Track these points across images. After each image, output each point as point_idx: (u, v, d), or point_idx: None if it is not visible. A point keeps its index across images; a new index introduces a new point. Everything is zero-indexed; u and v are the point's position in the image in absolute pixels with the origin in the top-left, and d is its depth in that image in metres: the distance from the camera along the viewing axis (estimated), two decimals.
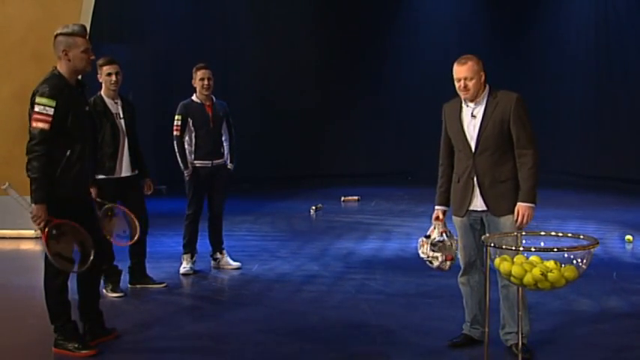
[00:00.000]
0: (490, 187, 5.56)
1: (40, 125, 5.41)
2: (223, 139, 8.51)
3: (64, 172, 5.52)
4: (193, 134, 8.31)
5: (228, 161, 8.56)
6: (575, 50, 17.19)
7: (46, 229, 5.43)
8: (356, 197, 14.67)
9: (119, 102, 7.44)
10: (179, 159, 8.30)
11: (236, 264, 8.68)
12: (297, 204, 13.88)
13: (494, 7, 18.17)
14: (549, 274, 4.67)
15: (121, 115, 7.41)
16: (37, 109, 5.43)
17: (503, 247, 4.83)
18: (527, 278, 4.70)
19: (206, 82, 8.32)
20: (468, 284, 5.82)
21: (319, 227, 11.78)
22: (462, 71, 5.52)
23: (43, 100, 5.43)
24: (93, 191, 6.98)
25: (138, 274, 7.75)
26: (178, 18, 15.80)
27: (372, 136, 18.25)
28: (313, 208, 13.31)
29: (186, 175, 8.32)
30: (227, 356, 5.90)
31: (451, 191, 5.86)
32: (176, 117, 8.32)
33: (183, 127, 8.29)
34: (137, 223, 6.89)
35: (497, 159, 5.54)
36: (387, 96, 18.34)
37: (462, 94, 5.59)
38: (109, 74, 7.36)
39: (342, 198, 14.61)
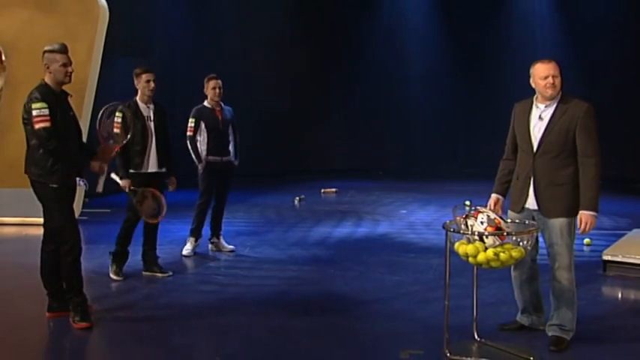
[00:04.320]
0: (545, 189, 5.12)
1: (43, 125, 5.58)
2: (230, 139, 8.45)
3: (53, 164, 5.65)
4: (206, 135, 8.25)
5: (234, 158, 8.50)
6: (561, 47, 16.82)
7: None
8: (334, 189, 14.65)
9: (151, 106, 7.35)
10: (193, 155, 8.23)
11: (231, 247, 8.65)
12: (283, 195, 13.84)
13: (461, 19, 18.04)
14: (501, 254, 4.72)
15: (152, 118, 7.32)
16: (34, 112, 5.59)
17: (461, 231, 4.85)
18: (480, 257, 4.74)
19: (217, 90, 8.27)
20: (519, 278, 5.45)
21: (302, 215, 11.76)
22: (549, 68, 5.09)
23: (38, 105, 5.59)
24: (127, 182, 7.02)
25: (149, 262, 7.55)
26: (181, 35, 15.73)
27: (348, 136, 18.21)
28: (297, 199, 13.27)
29: (200, 168, 8.25)
30: (222, 326, 5.89)
31: (511, 186, 5.38)
32: (190, 120, 8.27)
33: (196, 129, 8.22)
34: (164, 202, 6.92)
35: (558, 163, 5.10)
36: (361, 100, 18.29)
37: (548, 92, 5.09)
38: (148, 81, 7.27)
39: (322, 190, 14.57)
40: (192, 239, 8.42)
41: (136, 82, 7.35)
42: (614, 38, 15.55)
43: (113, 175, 7.03)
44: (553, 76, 5.09)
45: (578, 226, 5.11)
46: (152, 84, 7.29)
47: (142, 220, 7.34)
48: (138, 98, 7.33)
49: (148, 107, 7.34)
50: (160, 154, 7.35)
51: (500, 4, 17.98)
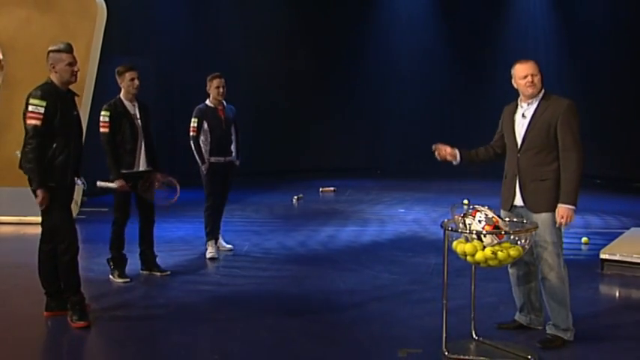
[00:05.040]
0: (530, 185, 5.19)
1: (33, 122, 5.60)
2: (232, 138, 8.29)
3: (50, 162, 5.66)
4: (208, 135, 8.10)
5: (236, 158, 8.36)
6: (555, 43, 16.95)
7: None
8: (332, 188, 14.66)
9: (136, 104, 7.23)
10: (196, 156, 8.06)
11: (229, 246, 8.61)
12: (281, 194, 13.85)
13: (460, 19, 18.06)
14: (499, 252, 4.72)
15: (138, 116, 7.19)
16: (30, 108, 5.62)
17: (459, 230, 4.85)
18: (478, 256, 4.74)
19: (221, 89, 8.12)
20: (516, 275, 5.49)
21: (300, 214, 11.77)
22: (528, 67, 5.19)
23: (35, 101, 5.62)
24: (121, 182, 6.96)
25: (147, 261, 7.49)
26: (178, 33, 15.73)
27: (346, 136, 18.24)
28: (295, 197, 13.28)
29: (203, 169, 8.09)
30: (220, 325, 5.89)
31: (502, 185, 5.44)
32: (193, 120, 8.09)
33: (199, 129, 8.06)
34: (173, 180, 7.05)
35: (541, 159, 5.16)
36: (359, 100, 18.33)
37: (529, 90, 5.20)
38: (132, 79, 7.14)
39: (320, 189, 14.59)
40: (210, 242, 8.28)
41: (119, 80, 7.22)
42: (613, 37, 15.53)
43: (100, 184, 6.98)
44: (532, 75, 5.19)
45: (556, 219, 5.12)
46: (137, 82, 7.17)
47: (131, 219, 7.29)
48: (122, 97, 7.20)
49: (133, 105, 7.22)
50: (149, 152, 7.26)
51: (499, 3, 17.99)
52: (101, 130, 7.06)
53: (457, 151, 5.61)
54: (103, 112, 7.10)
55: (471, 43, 17.76)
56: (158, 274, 7.42)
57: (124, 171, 7.11)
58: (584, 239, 8.96)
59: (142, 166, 7.22)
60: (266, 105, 17.02)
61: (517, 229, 4.94)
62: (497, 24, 17.91)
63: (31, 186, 5.75)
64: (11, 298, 6.72)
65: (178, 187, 7.22)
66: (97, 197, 11.95)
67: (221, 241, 8.59)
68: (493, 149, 5.63)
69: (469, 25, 17.67)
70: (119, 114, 7.07)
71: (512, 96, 5.50)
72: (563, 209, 5.08)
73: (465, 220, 4.84)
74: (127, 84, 7.17)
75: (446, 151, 5.61)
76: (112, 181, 7.02)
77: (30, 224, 9.68)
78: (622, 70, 15.37)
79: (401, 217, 11.31)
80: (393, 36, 18.76)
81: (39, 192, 5.60)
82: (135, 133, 7.14)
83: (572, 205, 5.08)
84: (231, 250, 8.58)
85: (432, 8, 18.74)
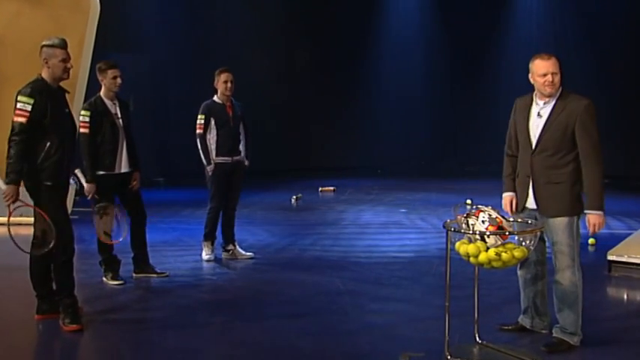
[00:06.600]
0: (543, 188, 5.11)
1: (19, 119, 5.58)
2: (241, 137, 8.17)
3: (45, 160, 5.65)
4: (215, 132, 7.97)
5: (245, 157, 8.21)
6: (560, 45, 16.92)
7: (12, 209, 5.73)
8: (332, 188, 14.66)
9: (117, 103, 7.11)
10: (202, 155, 7.93)
11: (249, 254, 8.36)
12: (280, 194, 13.85)
13: (459, 18, 18.10)
14: (503, 254, 4.71)
15: (119, 115, 7.07)
16: (18, 105, 5.60)
17: (462, 231, 4.85)
18: (482, 257, 4.74)
19: (229, 84, 8.01)
20: (523, 277, 5.46)
21: (299, 214, 11.77)
22: (549, 66, 5.03)
23: (24, 99, 5.59)
24: (92, 188, 6.79)
25: (141, 263, 7.42)
26: (174, 29, 15.74)
27: (346, 136, 18.28)
28: (294, 197, 13.28)
29: (209, 170, 7.95)
30: (218, 328, 5.89)
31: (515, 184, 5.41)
32: (199, 116, 7.96)
33: (206, 126, 7.94)
34: (126, 226, 6.80)
35: (555, 161, 5.07)
36: (359, 100, 18.39)
37: (547, 90, 5.05)
38: (115, 77, 7.01)
39: (320, 189, 14.59)
40: (207, 243, 8.19)
41: (100, 77, 7.08)
42: (625, 33, 15.56)
43: (78, 172, 6.90)
44: (552, 74, 5.06)
45: (587, 228, 5.09)
46: (119, 80, 7.05)
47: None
48: (102, 95, 7.07)
49: (114, 104, 7.09)
50: (130, 153, 7.13)
51: (502, 1, 18.02)
52: (80, 130, 6.89)
53: (510, 195, 5.41)
54: (82, 112, 7.00)
55: (473, 43, 17.82)
56: (154, 275, 7.38)
57: (103, 172, 6.99)
58: (590, 240, 8.93)
59: (124, 167, 7.11)
60: (265, 104, 17.02)
61: (521, 230, 4.94)
62: (500, 23, 17.96)
63: (25, 185, 5.74)
64: (1, 301, 6.71)
65: (124, 234, 7.02)
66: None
67: (239, 249, 8.36)
68: (516, 159, 5.44)
69: (471, 24, 17.71)
70: (99, 113, 6.96)
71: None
72: (592, 216, 5.04)
73: (467, 221, 4.83)
74: (109, 82, 7.05)
75: (513, 205, 5.40)
76: (86, 181, 6.88)
77: (21, 225, 9.64)
78: (632, 67, 15.39)
79: (402, 217, 11.31)
80: (394, 35, 18.83)
81: (9, 187, 5.62)
82: (116, 133, 7.03)
83: (600, 210, 5.04)
84: (252, 258, 8.31)
85: (433, 8, 18.77)
